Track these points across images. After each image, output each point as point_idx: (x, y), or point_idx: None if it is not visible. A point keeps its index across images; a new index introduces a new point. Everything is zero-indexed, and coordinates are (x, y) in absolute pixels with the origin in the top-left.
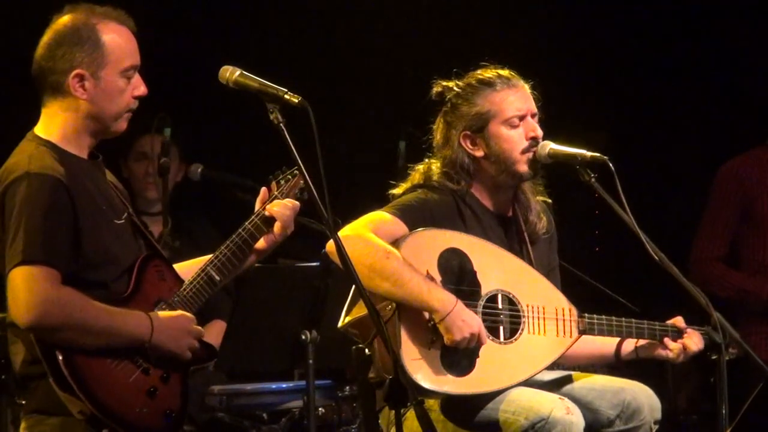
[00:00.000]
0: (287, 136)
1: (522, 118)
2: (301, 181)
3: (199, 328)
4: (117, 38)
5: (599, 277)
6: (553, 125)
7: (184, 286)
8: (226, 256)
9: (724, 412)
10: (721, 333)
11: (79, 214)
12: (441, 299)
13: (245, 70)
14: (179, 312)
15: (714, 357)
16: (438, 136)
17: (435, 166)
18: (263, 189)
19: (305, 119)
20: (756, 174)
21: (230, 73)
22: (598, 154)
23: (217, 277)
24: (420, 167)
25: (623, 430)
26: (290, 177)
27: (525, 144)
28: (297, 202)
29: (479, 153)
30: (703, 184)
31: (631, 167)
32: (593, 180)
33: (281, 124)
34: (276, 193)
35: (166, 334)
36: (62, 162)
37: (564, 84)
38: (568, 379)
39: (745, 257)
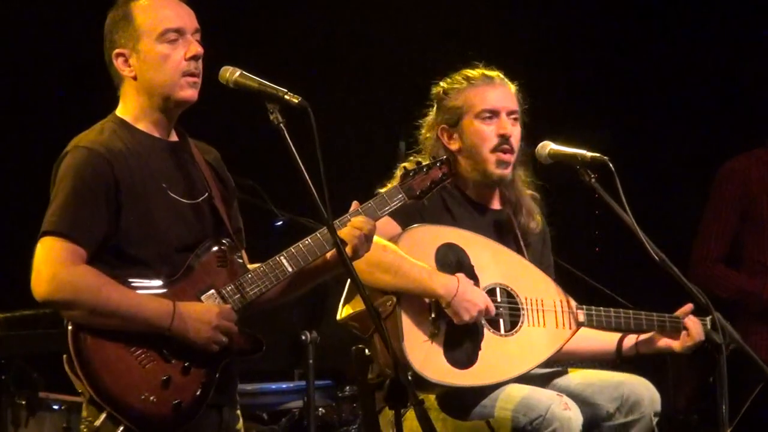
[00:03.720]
0: (287, 136)
1: (495, 113)
2: (440, 173)
3: (229, 323)
4: (149, 7)
5: (599, 277)
6: (554, 125)
7: (246, 273)
8: (298, 249)
9: (724, 412)
10: (721, 333)
11: (123, 190)
12: (444, 284)
13: (245, 70)
14: (211, 305)
15: (708, 346)
16: (424, 131)
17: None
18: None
19: (305, 119)
20: (756, 174)
21: (230, 73)
22: (598, 155)
23: (289, 267)
24: (405, 165)
25: (623, 423)
26: (423, 170)
27: (494, 141)
28: (368, 225)
29: (455, 147)
30: (704, 185)
31: (631, 167)
32: (593, 180)
33: (281, 125)
34: (358, 209)
35: (187, 324)
36: (125, 136)
37: (565, 84)
38: (566, 376)
39: (745, 258)
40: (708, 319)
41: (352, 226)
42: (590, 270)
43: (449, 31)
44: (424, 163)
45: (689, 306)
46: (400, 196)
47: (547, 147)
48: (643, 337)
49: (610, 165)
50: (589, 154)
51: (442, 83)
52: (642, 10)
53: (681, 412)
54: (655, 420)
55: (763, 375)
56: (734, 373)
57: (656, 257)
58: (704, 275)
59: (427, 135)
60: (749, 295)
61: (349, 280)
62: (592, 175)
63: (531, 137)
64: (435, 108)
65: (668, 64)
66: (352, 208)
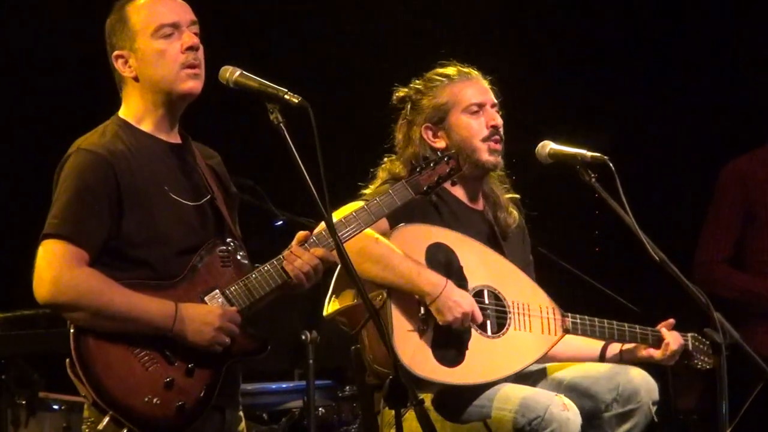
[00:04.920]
0: (287, 136)
1: (481, 106)
2: (448, 168)
3: (233, 324)
4: (142, 6)
5: (599, 277)
6: (554, 125)
7: (251, 274)
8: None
9: (724, 412)
10: (721, 333)
11: (124, 192)
12: (431, 281)
13: (245, 70)
14: (214, 306)
15: (686, 362)
16: (399, 137)
17: (397, 164)
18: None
19: (305, 119)
20: (759, 174)
21: (230, 73)
22: (598, 154)
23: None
24: (383, 166)
25: (621, 413)
26: (431, 165)
27: (485, 132)
28: (318, 254)
29: (441, 144)
30: (704, 185)
31: (632, 167)
32: (593, 180)
33: (281, 124)
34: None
35: (189, 326)
36: (127, 138)
37: (565, 84)
38: (562, 370)
39: (749, 258)
40: (690, 335)
41: (313, 255)
42: (590, 271)
43: (449, 32)
44: (431, 158)
45: (671, 321)
46: (407, 191)
47: (547, 147)
48: (627, 345)
49: (611, 165)
50: (589, 153)
51: (412, 86)
52: (642, 10)
53: (682, 413)
54: (653, 409)
55: (764, 376)
56: (734, 373)
57: (656, 257)
58: (708, 276)
59: (402, 140)
60: (754, 296)
61: (335, 276)
62: (592, 175)
63: (530, 137)
64: (409, 109)
65: (668, 63)
66: (316, 231)
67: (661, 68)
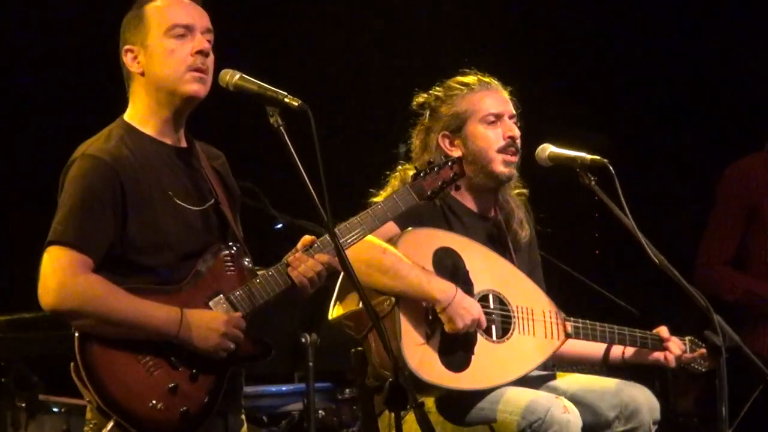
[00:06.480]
0: (287, 139)
1: (499, 117)
2: (451, 172)
3: (238, 330)
4: (161, 6)
5: (599, 279)
6: (554, 128)
7: (254, 278)
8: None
9: (724, 414)
10: (720, 335)
11: (129, 198)
12: (442, 289)
13: (245, 73)
14: (219, 312)
15: (683, 365)
16: (416, 142)
17: (410, 173)
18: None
19: (305, 122)
20: (761, 176)
21: (230, 76)
22: (598, 157)
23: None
24: (396, 174)
25: (623, 431)
26: (435, 170)
27: (502, 143)
28: (322, 261)
29: (457, 153)
30: (707, 187)
31: (632, 170)
32: (593, 183)
33: (281, 128)
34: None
35: (195, 332)
36: (132, 143)
37: (565, 86)
38: (567, 380)
39: (752, 259)
40: (687, 339)
41: (317, 261)
42: (590, 273)
43: (448, 34)
44: (434, 163)
45: (664, 328)
46: (411, 197)
47: (547, 149)
48: (629, 349)
49: (610, 167)
50: (589, 156)
51: (433, 92)
52: (643, 12)
53: (682, 416)
54: (654, 429)
55: (763, 378)
56: (735, 376)
57: (655, 259)
58: (710, 277)
59: (419, 146)
60: (757, 297)
61: (339, 280)
62: (592, 178)
63: (529, 140)
64: (428, 116)
65: (670, 65)
66: (319, 240)
67: (661, 70)
